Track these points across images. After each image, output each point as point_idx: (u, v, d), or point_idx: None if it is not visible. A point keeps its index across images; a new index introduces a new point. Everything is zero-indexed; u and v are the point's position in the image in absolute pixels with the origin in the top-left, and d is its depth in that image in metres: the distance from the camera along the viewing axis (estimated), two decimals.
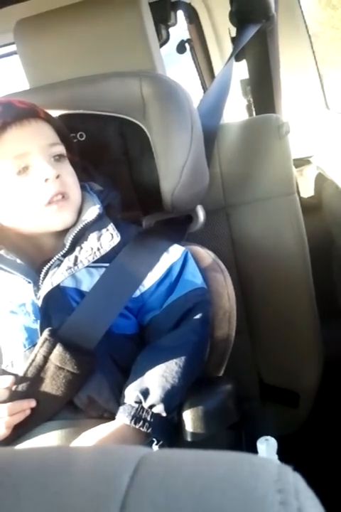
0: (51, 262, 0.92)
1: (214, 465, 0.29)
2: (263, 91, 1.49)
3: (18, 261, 0.92)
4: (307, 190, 1.64)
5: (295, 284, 1.26)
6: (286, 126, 1.20)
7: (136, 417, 0.84)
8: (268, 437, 0.89)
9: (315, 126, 1.79)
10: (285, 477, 0.29)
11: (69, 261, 0.92)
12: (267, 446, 0.88)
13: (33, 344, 0.90)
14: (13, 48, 1.65)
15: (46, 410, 0.89)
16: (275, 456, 0.88)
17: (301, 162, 1.67)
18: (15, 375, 0.89)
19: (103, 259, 0.93)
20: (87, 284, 0.93)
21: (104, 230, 0.94)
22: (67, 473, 0.28)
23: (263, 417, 1.33)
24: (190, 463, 0.30)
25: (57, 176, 0.92)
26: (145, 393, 0.86)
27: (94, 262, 0.93)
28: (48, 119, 0.97)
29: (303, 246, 1.25)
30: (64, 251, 0.93)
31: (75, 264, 0.92)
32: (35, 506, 0.26)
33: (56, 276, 0.91)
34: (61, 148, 0.97)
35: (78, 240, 0.94)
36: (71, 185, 0.95)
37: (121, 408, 0.86)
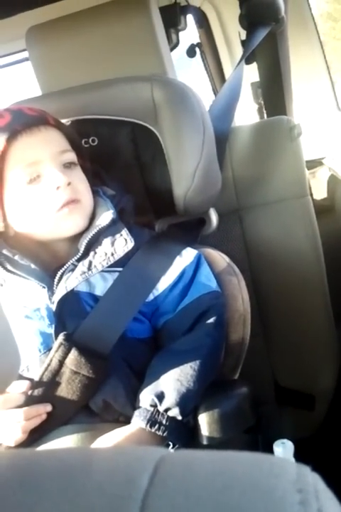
0: (65, 267, 0.93)
1: (234, 465, 0.29)
2: (274, 93, 1.48)
3: (33, 266, 0.93)
4: (320, 192, 1.63)
5: (310, 286, 1.25)
6: (298, 128, 1.20)
7: (152, 421, 0.84)
8: (285, 440, 0.89)
9: (327, 127, 1.79)
10: (304, 477, 0.29)
11: (83, 266, 0.92)
12: (284, 449, 0.88)
13: (48, 349, 0.90)
14: (25, 54, 1.67)
15: (62, 414, 0.89)
16: (293, 460, 0.87)
17: (313, 164, 1.67)
18: (31, 380, 0.89)
19: (116, 263, 0.94)
20: (100, 289, 0.94)
21: (117, 235, 0.95)
22: (87, 474, 0.28)
23: (279, 420, 1.32)
24: (209, 463, 0.30)
25: (69, 183, 0.92)
26: (161, 397, 0.86)
27: (107, 267, 0.93)
28: (58, 126, 0.97)
29: (317, 247, 1.24)
30: (78, 256, 0.93)
31: (89, 268, 0.92)
32: (55, 506, 0.26)
33: (70, 281, 0.91)
34: (72, 155, 0.97)
35: (92, 244, 0.94)
36: (82, 191, 0.96)
37: (136, 412, 0.86)
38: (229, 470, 0.29)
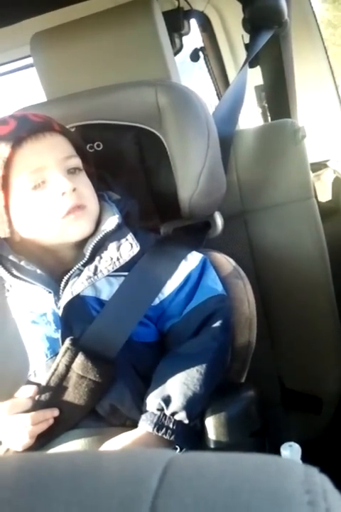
0: (71, 272, 0.93)
1: (242, 466, 0.29)
2: (278, 96, 1.48)
3: (39, 271, 0.93)
4: (325, 195, 1.63)
5: (315, 288, 1.25)
6: (302, 131, 1.20)
7: (159, 425, 0.84)
8: (292, 443, 0.88)
9: (332, 129, 1.79)
10: (312, 478, 0.29)
11: (89, 270, 0.92)
12: (291, 451, 0.87)
13: (54, 353, 0.91)
14: (29, 60, 1.68)
15: (69, 419, 0.89)
16: (300, 462, 0.87)
17: (318, 166, 1.66)
18: (38, 385, 0.90)
19: (122, 268, 0.94)
20: (106, 293, 0.94)
21: (123, 240, 0.95)
22: (96, 476, 0.28)
23: (286, 422, 1.32)
24: (217, 464, 0.30)
25: (74, 189, 0.93)
26: (167, 401, 0.86)
27: (113, 271, 0.93)
28: (63, 132, 0.98)
29: (322, 250, 1.24)
30: (84, 261, 0.94)
31: (95, 273, 0.92)
32: (65, 509, 0.26)
33: (76, 286, 0.91)
34: (77, 161, 0.97)
35: (98, 249, 0.94)
36: (88, 196, 0.96)
37: (143, 416, 0.86)
38: (237, 471, 0.29)
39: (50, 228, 0.93)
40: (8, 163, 0.90)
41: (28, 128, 0.92)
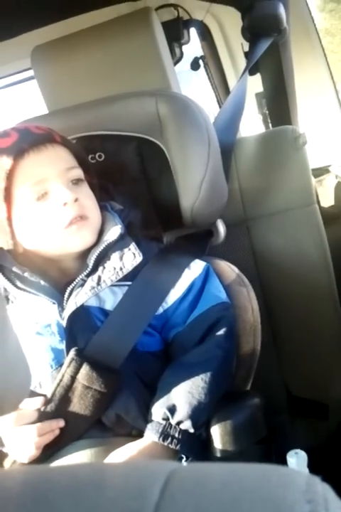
0: (75, 283, 0.93)
1: (243, 477, 0.29)
2: (278, 103, 1.49)
3: (42, 282, 0.93)
4: (327, 200, 1.63)
5: (319, 293, 1.25)
6: (303, 137, 1.20)
7: (164, 434, 0.84)
8: (298, 450, 0.88)
9: (333, 135, 1.79)
10: (314, 487, 0.29)
11: (92, 281, 0.93)
12: (297, 459, 0.87)
13: (59, 364, 0.91)
14: (30, 73, 1.69)
15: (75, 430, 0.89)
16: (306, 469, 0.87)
17: (320, 172, 1.67)
18: (44, 396, 0.90)
19: (125, 277, 0.94)
20: (110, 303, 0.94)
21: (126, 250, 0.95)
22: (98, 488, 0.28)
23: (292, 429, 1.31)
24: (218, 475, 0.30)
25: (76, 200, 0.93)
26: (173, 410, 0.86)
27: (117, 281, 0.94)
28: (65, 143, 0.98)
29: (325, 255, 1.24)
30: (87, 271, 0.94)
31: (98, 283, 0.92)
32: None
33: (80, 296, 0.92)
34: (79, 172, 0.98)
35: (101, 260, 0.95)
36: (90, 207, 0.96)
37: (148, 425, 0.86)
38: (238, 482, 0.29)
39: (52, 239, 0.93)
40: (10, 175, 0.91)
41: (29, 140, 0.93)
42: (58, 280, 0.96)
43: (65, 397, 0.89)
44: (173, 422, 0.85)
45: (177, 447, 0.83)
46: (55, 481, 0.30)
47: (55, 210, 0.92)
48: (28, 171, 0.92)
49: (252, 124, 1.84)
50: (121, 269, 0.93)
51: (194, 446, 0.85)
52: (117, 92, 1.11)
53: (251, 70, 1.30)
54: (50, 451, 0.88)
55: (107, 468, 0.33)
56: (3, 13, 1.01)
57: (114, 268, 0.93)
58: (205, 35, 1.87)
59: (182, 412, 0.85)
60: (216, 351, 0.94)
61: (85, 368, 0.88)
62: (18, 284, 0.94)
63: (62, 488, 0.29)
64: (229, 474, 0.30)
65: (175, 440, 0.84)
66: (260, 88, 1.53)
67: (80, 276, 0.94)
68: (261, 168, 1.23)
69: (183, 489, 0.28)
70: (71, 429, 0.89)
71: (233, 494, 0.28)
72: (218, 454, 0.86)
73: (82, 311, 0.92)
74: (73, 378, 0.88)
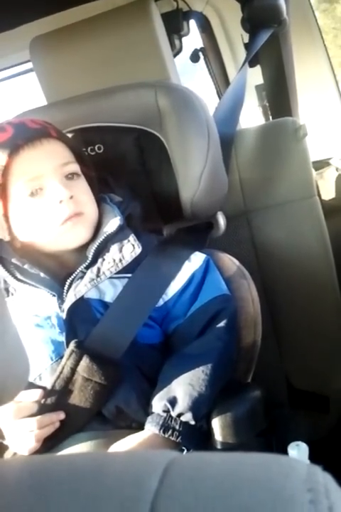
0: (74, 275, 0.93)
1: (243, 466, 0.29)
2: (278, 95, 1.48)
3: (42, 274, 0.93)
4: (328, 192, 1.62)
5: (320, 286, 1.25)
6: (303, 129, 1.20)
7: (165, 426, 0.84)
8: (299, 442, 0.88)
9: (333, 127, 1.78)
10: (314, 477, 0.29)
11: (92, 273, 0.92)
12: (298, 451, 0.87)
13: (59, 357, 0.91)
14: (29, 65, 1.68)
15: (75, 422, 0.89)
16: (307, 462, 0.87)
17: (321, 164, 1.66)
18: (44, 388, 0.90)
19: (125, 269, 0.94)
20: (110, 295, 0.94)
21: (125, 241, 0.95)
22: (97, 478, 0.28)
23: (293, 422, 1.31)
24: (218, 464, 0.29)
25: (71, 197, 0.92)
26: (173, 402, 0.85)
27: (116, 273, 0.93)
28: (60, 138, 0.97)
29: (326, 248, 1.23)
30: (86, 263, 0.94)
31: (98, 275, 0.92)
32: (66, 510, 0.26)
33: (79, 288, 0.91)
34: (74, 167, 0.97)
35: (100, 251, 0.94)
36: (86, 202, 0.96)
37: (149, 418, 0.86)
38: (238, 471, 0.29)
39: (48, 235, 0.93)
40: (5, 171, 0.91)
41: (24, 135, 0.92)
42: (58, 272, 0.96)
43: (65, 390, 0.89)
44: (174, 414, 0.85)
45: (178, 439, 0.83)
46: (52, 470, 0.30)
47: (51, 206, 0.92)
48: (23, 166, 0.91)
49: (252, 118, 1.83)
50: (120, 260, 0.93)
51: (194, 438, 0.85)
52: (116, 83, 1.10)
53: (251, 62, 1.30)
54: (51, 443, 0.88)
55: (105, 458, 0.32)
56: (2, 5, 1.01)
57: (114, 260, 0.93)
58: (205, 26, 1.86)
59: (183, 404, 0.85)
60: (216, 343, 0.94)
61: (85, 360, 0.88)
62: (18, 276, 0.94)
63: (60, 477, 0.29)
64: (229, 463, 0.30)
65: (175, 432, 0.83)
66: (260, 80, 1.52)
67: (80, 269, 0.93)
68: (262, 159, 1.23)
69: (183, 477, 0.28)
70: (71, 421, 0.89)
71: (233, 482, 0.27)
72: (219, 446, 0.85)
73: (81, 303, 0.92)
74: (73, 370, 0.88)
